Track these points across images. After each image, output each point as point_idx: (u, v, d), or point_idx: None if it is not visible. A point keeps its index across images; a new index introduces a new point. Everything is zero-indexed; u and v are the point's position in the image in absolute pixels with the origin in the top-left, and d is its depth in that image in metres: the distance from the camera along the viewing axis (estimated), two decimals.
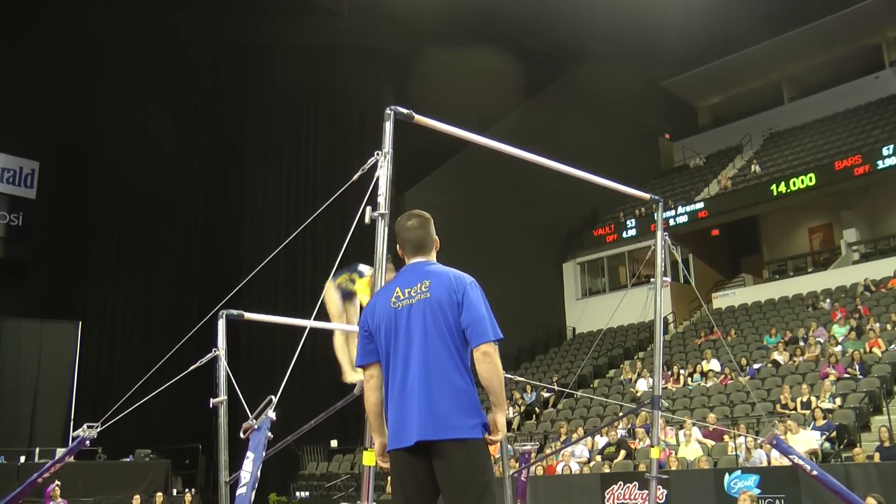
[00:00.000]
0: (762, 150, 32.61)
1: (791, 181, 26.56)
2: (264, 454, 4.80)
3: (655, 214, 7.60)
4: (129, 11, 23.76)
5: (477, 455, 3.67)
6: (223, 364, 7.24)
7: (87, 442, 6.37)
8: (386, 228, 4.58)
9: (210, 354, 7.30)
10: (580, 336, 29.61)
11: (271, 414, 4.64)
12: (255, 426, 4.72)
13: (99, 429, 6.44)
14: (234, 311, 7.60)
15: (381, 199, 4.65)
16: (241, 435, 4.73)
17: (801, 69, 34.53)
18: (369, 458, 4.34)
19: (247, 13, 25.09)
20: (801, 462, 7.47)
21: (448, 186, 27.83)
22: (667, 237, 7.45)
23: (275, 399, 4.60)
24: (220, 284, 24.69)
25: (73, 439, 6.34)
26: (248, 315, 7.79)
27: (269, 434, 4.74)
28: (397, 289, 3.90)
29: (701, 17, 28.53)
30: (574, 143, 26.06)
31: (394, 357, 3.80)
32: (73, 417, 20.04)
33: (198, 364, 7.27)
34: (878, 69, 32.58)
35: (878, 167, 24.94)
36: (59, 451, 16.25)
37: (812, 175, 26.10)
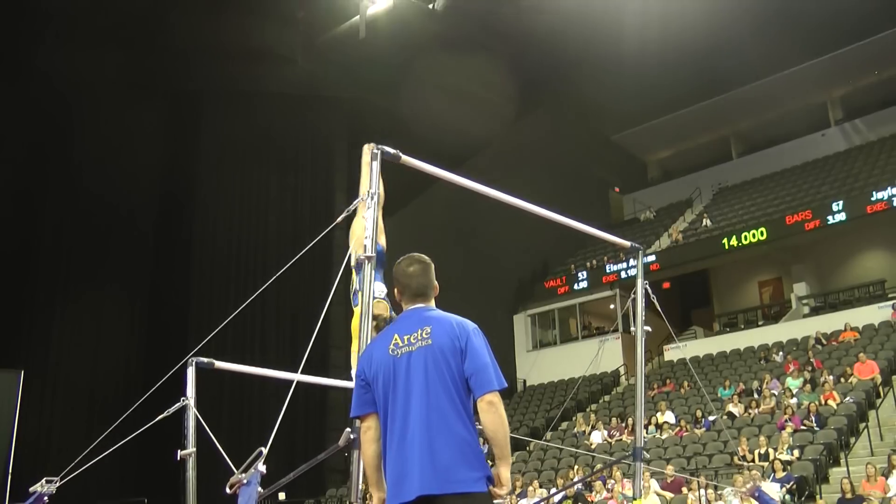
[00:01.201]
0: (712, 204, 32.93)
1: (742, 235, 26.76)
2: None
3: (634, 261, 7.44)
4: (78, 58, 23.24)
5: None
6: (193, 414, 6.86)
7: (46, 498, 5.91)
8: (373, 272, 4.39)
9: (179, 404, 6.90)
10: (531, 388, 29.33)
11: (261, 467, 4.31)
12: (245, 480, 4.36)
13: (58, 483, 5.99)
14: (205, 360, 7.21)
15: (367, 242, 4.44)
16: (228, 490, 4.38)
17: (749, 125, 35.13)
18: None
19: (200, 57, 24.75)
20: None
21: (400, 234, 27.46)
22: (646, 285, 7.24)
23: (265, 451, 4.28)
24: (170, 334, 24.30)
25: (31, 495, 5.88)
26: (219, 364, 7.40)
27: (260, 489, 4.37)
28: (396, 336, 3.72)
29: (651, 72, 28.84)
30: (524, 194, 25.82)
31: (392, 407, 3.60)
32: (10, 472, 19.13)
33: (166, 413, 6.85)
34: (823, 127, 33.30)
35: (829, 222, 25.25)
36: None
37: (763, 229, 26.31)
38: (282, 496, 21.78)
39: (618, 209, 38.08)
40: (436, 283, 3.94)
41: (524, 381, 30.26)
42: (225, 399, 22.42)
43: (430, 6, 25.19)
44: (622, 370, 27.44)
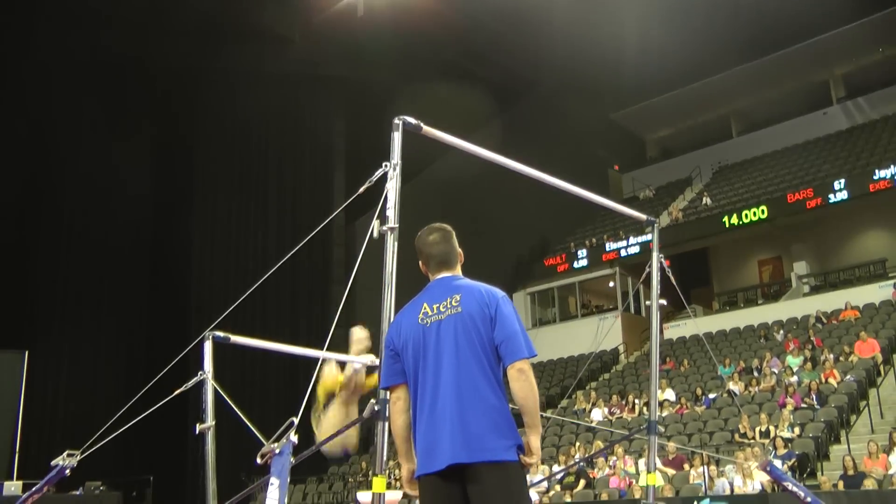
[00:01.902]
0: (712, 183, 32.88)
1: (743, 213, 26.71)
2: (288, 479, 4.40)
3: (651, 235, 7.42)
4: (73, 36, 23.04)
5: (514, 478, 3.46)
6: (211, 387, 6.84)
7: (67, 471, 5.91)
8: (395, 243, 4.37)
9: (197, 378, 6.89)
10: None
11: (293, 437, 4.29)
12: (277, 450, 4.35)
13: (79, 457, 5.98)
14: (221, 334, 7.19)
15: (391, 213, 4.43)
16: (258, 461, 4.37)
17: (750, 104, 35.02)
18: (380, 485, 4.07)
19: (195, 37, 24.55)
20: (795, 489, 7.20)
21: (400, 216, 27.45)
22: (661, 259, 7.22)
23: (296, 421, 4.25)
24: (173, 311, 24.30)
25: (52, 468, 5.87)
26: (235, 338, 7.37)
27: (292, 459, 4.34)
28: (425, 304, 3.73)
29: (651, 50, 28.72)
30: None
31: (422, 376, 3.60)
32: (17, 449, 19.16)
33: (185, 387, 6.84)
34: (825, 105, 33.20)
35: (830, 201, 25.21)
36: (8, 484, 15.51)
37: (764, 207, 26.27)
38: None
39: (617, 188, 37.95)
40: (459, 250, 3.96)
41: None
42: (228, 377, 22.45)
43: None
44: (622, 348, 27.45)
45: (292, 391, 21.11)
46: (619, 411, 21.30)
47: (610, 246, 29.23)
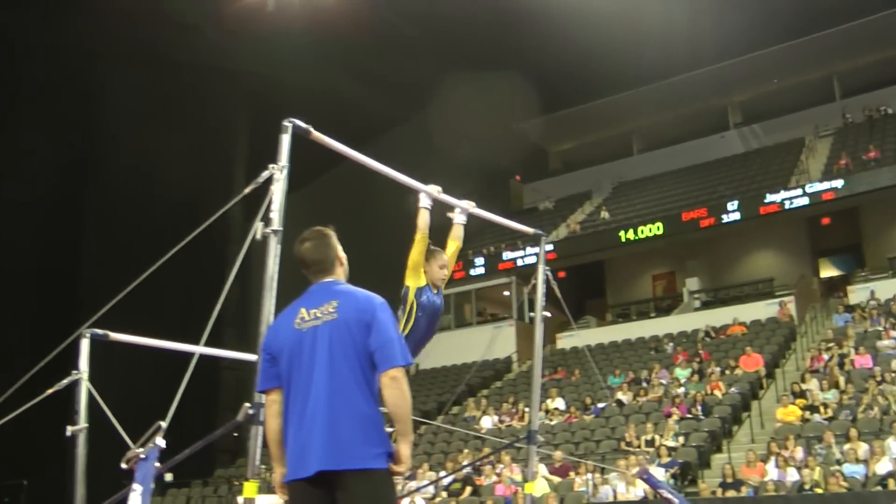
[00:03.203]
0: (611, 198, 33.35)
1: (639, 229, 27.17)
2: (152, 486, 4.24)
3: (533, 249, 7.44)
4: None
5: (382, 486, 3.46)
6: (86, 388, 6.54)
7: None
8: (278, 246, 4.35)
9: (71, 377, 6.56)
10: (423, 372, 29.26)
11: (160, 442, 4.13)
12: (142, 455, 4.16)
13: None
14: (100, 331, 6.85)
15: (275, 216, 4.42)
16: (123, 465, 4.19)
17: (652, 123, 35.68)
18: (251, 490, 4.08)
19: (105, 18, 23.87)
20: (670, 496, 7.31)
21: (301, 213, 27.07)
22: (548, 272, 7.29)
23: (164, 425, 4.18)
24: (65, 306, 23.38)
25: None
26: (115, 336, 7.03)
27: (158, 464, 4.21)
28: (302, 309, 3.69)
29: (555, 64, 29.06)
30: (425, 179, 25.75)
31: (296, 381, 3.57)
32: None
33: (57, 387, 6.51)
34: (723, 129, 34.16)
35: (723, 221, 25.86)
36: None
37: (660, 224, 26.78)
38: (169, 477, 21.22)
39: (517, 198, 38.24)
40: (341, 254, 3.89)
41: (417, 365, 30.15)
42: (114, 374, 21.76)
43: None
44: (514, 357, 27.61)
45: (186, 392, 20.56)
46: (509, 419, 21.38)
47: (507, 255, 29.37)
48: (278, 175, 4.53)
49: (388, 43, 28.38)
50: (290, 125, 4.67)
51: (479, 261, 30.16)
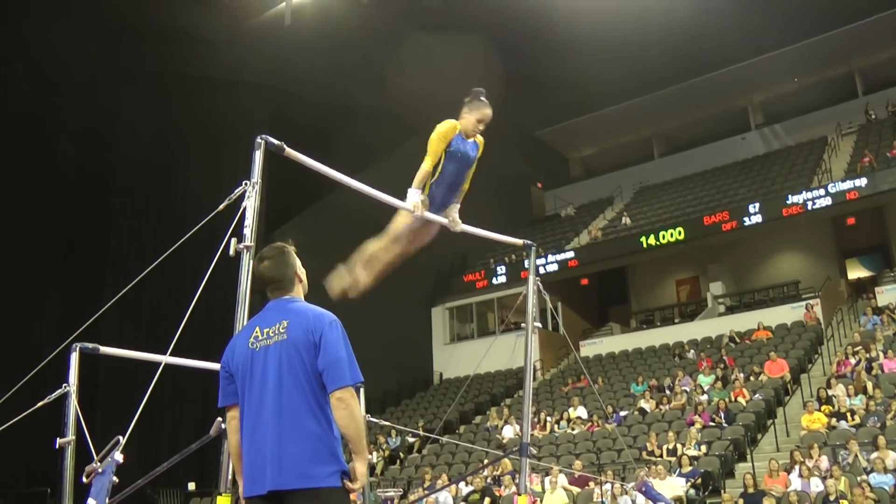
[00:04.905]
0: (632, 203, 33.08)
1: (660, 234, 26.87)
2: (108, 501, 4.22)
3: (527, 261, 7.28)
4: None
5: None
6: (73, 401, 6.50)
7: None
8: (251, 262, 4.28)
9: (60, 390, 6.54)
10: (447, 381, 29.13)
11: (117, 456, 4.13)
12: (99, 470, 4.11)
13: None
14: (89, 345, 6.80)
15: (247, 231, 4.39)
16: (84, 479, 4.15)
17: (672, 126, 35.44)
18: (224, 503, 4.08)
19: (114, 36, 23.94)
20: None
21: (318, 226, 27.08)
22: (538, 283, 7.14)
23: (122, 440, 4.13)
24: (80, 318, 23.34)
25: None
26: (104, 349, 6.98)
27: (115, 478, 4.20)
28: (257, 328, 3.67)
29: (576, 70, 28.87)
30: None
31: (248, 400, 3.57)
32: None
33: (45, 401, 6.47)
34: (744, 130, 33.83)
35: (745, 224, 25.46)
36: None
37: (681, 229, 26.46)
38: (192, 486, 21.27)
39: (539, 205, 38.09)
40: (300, 270, 3.83)
41: (440, 375, 30.05)
42: (102, 387, 21.87)
43: None
44: (538, 365, 27.38)
45: (182, 405, 20.63)
46: (531, 429, 21.13)
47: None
48: (250, 192, 4.48)
49: (404, 52, 28.30)
50: (262, 142, 4.64)
51: (501, 269, 29.99)
